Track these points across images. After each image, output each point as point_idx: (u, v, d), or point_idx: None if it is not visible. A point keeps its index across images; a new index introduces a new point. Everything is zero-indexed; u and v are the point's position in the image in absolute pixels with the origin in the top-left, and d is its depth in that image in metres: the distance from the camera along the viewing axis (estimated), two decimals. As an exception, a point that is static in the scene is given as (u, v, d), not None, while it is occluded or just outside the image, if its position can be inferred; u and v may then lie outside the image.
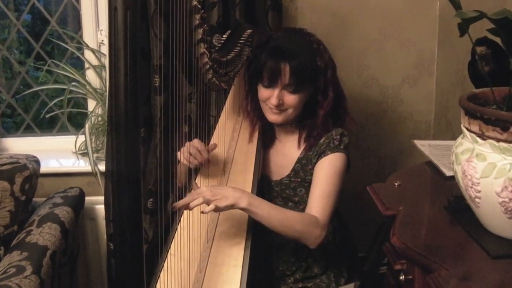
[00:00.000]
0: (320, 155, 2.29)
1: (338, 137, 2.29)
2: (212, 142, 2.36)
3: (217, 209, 1.92)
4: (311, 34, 2.36)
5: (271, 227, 2.06)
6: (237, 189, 2.00)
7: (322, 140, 2.31)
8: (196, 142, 2.22)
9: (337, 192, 2.24)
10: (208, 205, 1.89)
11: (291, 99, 2.26)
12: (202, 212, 1.92)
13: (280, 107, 2.27)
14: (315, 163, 2.30)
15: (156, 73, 2.77)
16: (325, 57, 2.31)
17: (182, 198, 2.16)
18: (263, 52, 2.30)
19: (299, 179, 2.35)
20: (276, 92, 2.25)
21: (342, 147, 2.29)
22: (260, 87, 2.31)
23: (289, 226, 2.09)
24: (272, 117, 2.32)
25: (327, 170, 2.26)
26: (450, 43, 3.09)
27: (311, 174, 2.31)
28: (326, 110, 2.30)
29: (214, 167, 2.33)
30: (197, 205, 1.88)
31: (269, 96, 2.27)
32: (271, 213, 2.04)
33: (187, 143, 2.22)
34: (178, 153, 2.24)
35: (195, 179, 2.27)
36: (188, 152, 2.21)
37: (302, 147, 2.38)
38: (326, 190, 2.22)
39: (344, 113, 2.38)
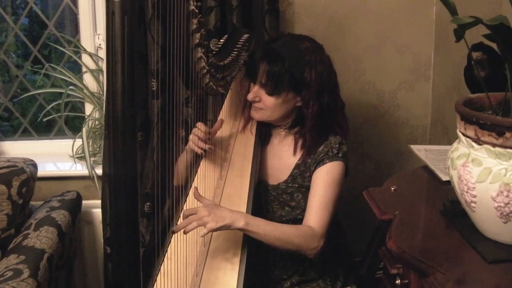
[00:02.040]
0: (319, 163, 2.29)
1: (337, 145, 2.29)
2: (223, 119, 2.39)
3: (213, 230, 1.92)
4: (313, 44, 2.33)
5: (268, 244, 2.08)
6: (233, 210, 2.00)
7: (321, 149, 2.31)
8: (200, 124, 2.26)
9: (335, 201, 2.25)
10: (205, 226, 1.89)
11: (266, 99, 2.27)
12: (200, 235, 1.92)
13: (256, 104, 2.31)
14: (313, 171, 2.30)
15: (153, 77, 2.77)
16: (314, 71, 2.26)
17: (179, 201, 2.18)
18: (258, 48, 2.36)
19: (297, 185, 2.36)
20: (255, 88, 2.29)
21: (340, 155, 2.29)
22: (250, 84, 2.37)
23: (286, 241, 2.10)
24: (252, 112, 2.37)
25: (325, 179, 2.26)
26: (446, 48, 3.10)
27: (309, 181, 2.31)
28: (310, 121, 2.30)
29: (211, 171, 2.34)
30: (193, 229, 1.89)
31: (250, 90, 2.32)
32: (267, 231, 2.04)
33: (195, 129, 2.26)
34: (190, 143, 2.26)
35: (193, 180, 2.27)
36: (196, 137, 2.24)
37: (299, 154, 2.38)
38: (324, 200, 2.22)
39: (337, 128, 2.36)
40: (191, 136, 2.26)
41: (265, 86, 2.25)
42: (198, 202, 2.02)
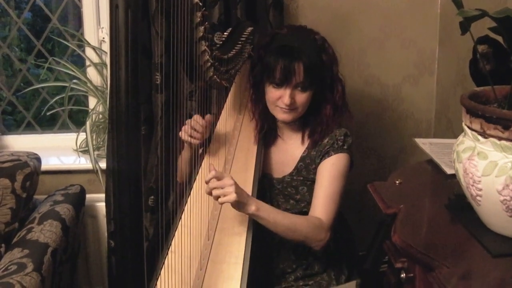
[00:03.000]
0: (324, 155, 2.29)
1: (342, 137, 2.30)
2: (212, 139, 2.36)
3: (231, 203, 1.96)
4: (314, 31, 2.35)
5: (277, 232, 2.11)
6: (248, 194, 2.05)
7: (325, 141, 2.31)
8: (196, 116, 2.27)
9: (341, 193, 2.26)
10: (227, 195, 1.94)
11: (302, 97, 2.25)
12: (220, 202, 1.97)
13: (291, 106, 2.26)
14: (319, 163, 2.30)
15: (157, 71, 2.77)
16: (329, 53, 2.30)
17: (183, 195, 2.18)
18: (269, 52, 2.28)
19: (302, 178, 2.35)
20: (288, 91, 2.23)
21: (345, 147, 2.29)
22: (270, 88, 2.29)
23: (295, 230, 2.13)
24: (283, 116, 2.30)
25: (331, 171, 2.27)
26: (451, 42, 3.09)
27: (314, 173, 2.31)
28: (333, 105, 2.31)
29: (215, 165, 2.33)
30: (215, 195, 1.95)
31: (279, 95, 2.25)
32: (277, 219, 2.08)
33: (188, 120, 2.25)
34: (180, 133, 2.26)
35: (197, 173, 2.27)
36: (190, 127, 2.24)
37: (306, 144, 2.38)
38: (330, 191, 2.23)
39: (346, 109, 2.38)
40: (183, 127, 2.26)
41: (299, 84, 2.23)
42: (205, 191, 2.02)
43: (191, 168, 2.32)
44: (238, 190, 1.97)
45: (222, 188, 1.95)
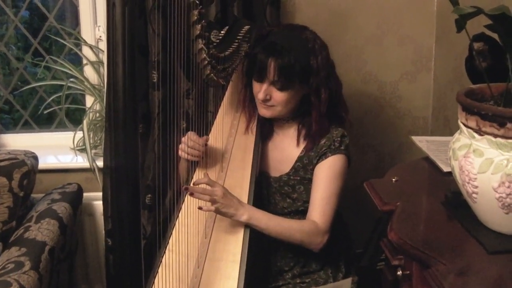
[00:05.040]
0: (321, 156, 2.29)
1: (339, 138, 2.29)
2: (209, 137, 2.36)
3: (216, 211, 2.00)
4: (310, 32, 2.33)
5: (271, 236, 2.13)
6: (242, 202, 2.08)
7: (323, 142, 2.30)
8: (191, 134, 2.25)
9: (338, 194, 2.26)
10: (212, 204, 1.97)
11: (278, 96, 2.25)
12: (199, 208, 1.98)
13: (267, 102, 2.27)
14: (316, 164, 2.30)
15: (154, 69, 2.77)
16: (319, 57, 2.28)
17: (180, 194, 2.18)
18: (258, 46, 2.30)
19: (299, 177, 2.35)
20: (264, 87, 2.25)
21: (342, 148, 2.29)
22: (254, 81, 2.31)
23: (289, 236, 2.16)
24: (262, 111, 2.33)
25: (328, 173, 2.27)
26: (447, 39, 3.09)
27: (312, 173, 2.31)
28: (319, 110, 2.30)
29: (212, 163, 2.34)
30: (202, 200, 1.96)
31: (258, 90, 2.28)
32: (270, 226, 2.11)
33: (184, 138, 2.24)
34: (180, 151, 2.27)
35: (192, 176, 2.27)
36: (187, 146, 2.23)
37: (302, 145, 2.37)
38: (327, 194, 2.24)
39: (341, 112, 2.37)
40: (180, 145, 2.27)
41: (276, 82, 2.23)
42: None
43: (188, 175, 2.32)
44: (227, 201, 1.99)
45: (210, 196, 1.97)
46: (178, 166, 2.34)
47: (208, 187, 1.98)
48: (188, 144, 2.23)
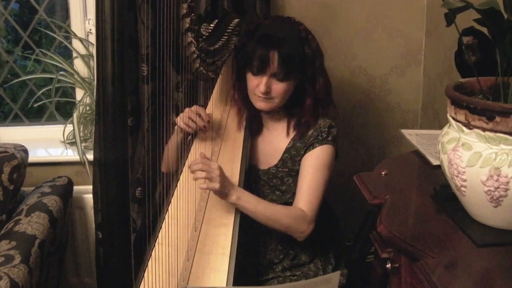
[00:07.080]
0: (309, 147, 2.30)
1: (326, 129, 2.31)
2: (199, 131, 2.36)
3: (213, 190, 2.04)
4: (299, 22, 2.36)
5: (258, 220, 2.15)
6: (234, 184, 2.12)
7: (310, 132, 2.31)
8: (196, 107, 2.28)
9: (325, 185, 2.27)
10: (210, 181, 2.01)
11: (279, 87, 2.26)
12: (201, 187, 2.06)
13: (268, 94, 2.27)
14: (303, 155, 2.31)
15: (143, 62, 2.76)
16: (313, 46, 2.31)
17: (170, 187, 2.18)
18: (251, 40, 2.29)
19: (287, 169, 2.36)
20: (264, 79, 2.25)
21: (330, 138, 2.30)
22: (249, 75, 2.30)
23: (276, 220, 2.17)
24: (260, 104, 2.32)
25: (315, 163, 2.28)
26: (437, 33, 3.10)
27: (299, 165, 2.32)
28: (314, 98, 2.31)
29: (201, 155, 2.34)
30: (199, 178, 2.02)
31: (257, 84, 2.27)
32: (258, 208, 2.13)
33: (186, 109, 2.27)
34: (177, 119, 2.28)
35: (184, 165, 2.27)
36: (187, 117, 2.25)
37: (292, 135, 2.38)
38: (313, 184, 2.25)
39: (329, 101, 2.39)
40: (181, 115, 2.27)
41: (276, 74, 2.24)
42: (192, 183, 2.05)
43: (178, 155, 2.32)
44: (222, 179, 2.02)
45: (208, 172, 2.00)
46: (165, 147, 2.34)
47: (207, 163, 2.02)
48: (189, 116, 2.26)
